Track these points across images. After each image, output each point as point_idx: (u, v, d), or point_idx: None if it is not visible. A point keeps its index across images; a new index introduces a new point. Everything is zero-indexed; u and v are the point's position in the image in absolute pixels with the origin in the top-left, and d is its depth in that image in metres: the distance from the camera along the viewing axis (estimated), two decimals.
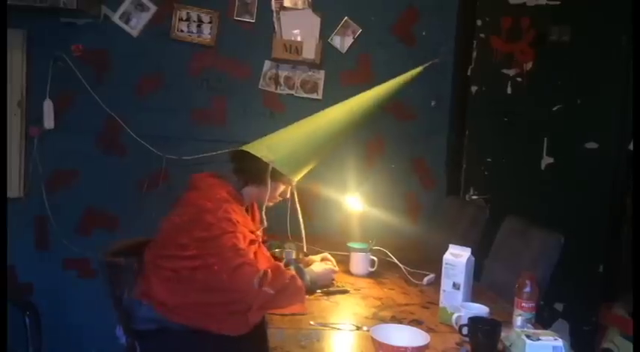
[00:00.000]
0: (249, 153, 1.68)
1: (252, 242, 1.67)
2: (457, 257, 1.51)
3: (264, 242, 1.86)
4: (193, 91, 2.55)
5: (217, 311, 1.54)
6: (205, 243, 1.55)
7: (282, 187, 1.78)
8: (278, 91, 2.56)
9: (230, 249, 1.53)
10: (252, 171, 1.70)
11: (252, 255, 1.60)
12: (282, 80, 2.56)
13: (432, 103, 2.67)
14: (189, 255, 1.56)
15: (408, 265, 1.95)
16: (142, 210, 2.45)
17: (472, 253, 1.53)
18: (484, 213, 2.23)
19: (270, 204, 1.78)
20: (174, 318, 1.56)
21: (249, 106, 2.56)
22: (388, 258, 1.99)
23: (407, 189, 2.67)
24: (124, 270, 1.60)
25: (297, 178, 1.80)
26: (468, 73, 2.61)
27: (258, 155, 1.66)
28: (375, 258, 1.92)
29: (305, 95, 2.57)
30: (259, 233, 1.78)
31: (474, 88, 2.61)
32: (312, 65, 2.54)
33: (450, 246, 1.55)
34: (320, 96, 2.56)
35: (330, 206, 2.50)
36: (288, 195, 1.83)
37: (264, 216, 1.77)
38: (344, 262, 1.94)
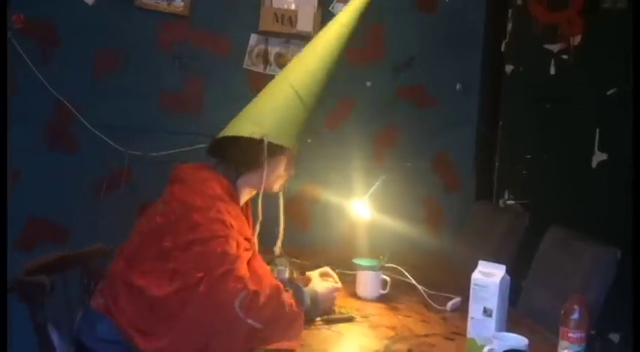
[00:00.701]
0: (232, 138, 1.68)
1: (245, 250, 1.67)
2: (488, 276, 1.51)
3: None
4: (162, 72, 2.55)
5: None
6: (189, 250, 1.54)
7: (284, 161, 1.76)
8: (267, 72, 2.55)
9: (218, 256, 1.53)
10: (245, 157, 1.69)
11: (244, 267, 1.58)
12: (272, 58, 2.56)
13: (458, 87, 2.70)
14: (170, 270, 1.54)
15: (428, 286, 1.95)
16: (98, 218, 2.46)
17: (507, 271, 1.53)
18: (522, 222, 2.24)
19: (277, 187, 1.79)
20: (142, 346, 1.55)
21: (230, 90, 2.56)
22: (404, 278, 1.99)
23: (426, 193, 2.70)
24: (44, 291, 1.59)
25: (297, 144, 1.80)
26: (502, 49, 2.63)
27: (247, 134, 1.66)
28: (387, 278, 1.93)
29: None
30: (255, 240, 1.78)
31: (508, 68, 2.64)
32: (309, 39, 2.47)
33: (480, 262, 1.54)
34: None
35: (331, 213, 2.52)
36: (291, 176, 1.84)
37: (260, 209, 1.75)
38: (349, 283, 1.95)
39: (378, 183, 2.18)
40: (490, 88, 2.65)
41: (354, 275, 1.95)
